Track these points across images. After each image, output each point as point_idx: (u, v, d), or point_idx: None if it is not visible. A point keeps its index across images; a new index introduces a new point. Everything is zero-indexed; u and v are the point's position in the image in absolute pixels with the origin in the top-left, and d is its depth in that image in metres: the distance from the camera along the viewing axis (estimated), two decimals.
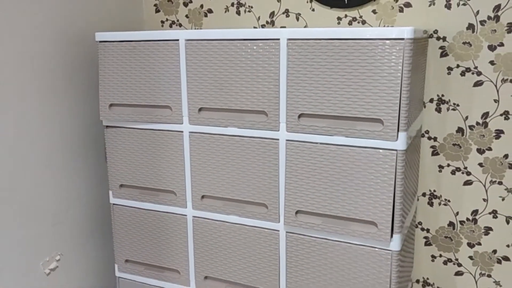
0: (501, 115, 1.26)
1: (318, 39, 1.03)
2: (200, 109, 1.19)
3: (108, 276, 1.56)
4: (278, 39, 1.07)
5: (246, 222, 1.20)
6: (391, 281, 1.06)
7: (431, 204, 1.38)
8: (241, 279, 1.24)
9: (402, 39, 0.96)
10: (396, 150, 1.01)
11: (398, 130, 1.00)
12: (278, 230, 1.17)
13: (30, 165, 1.24)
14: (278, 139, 1.12)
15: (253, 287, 1.23)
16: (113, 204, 1.36)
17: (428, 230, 1.40)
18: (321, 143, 1.07)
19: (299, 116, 1.08)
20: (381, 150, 1.02)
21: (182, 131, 1.22)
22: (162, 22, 1.61)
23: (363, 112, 1.02)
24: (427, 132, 1.34)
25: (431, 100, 1.32)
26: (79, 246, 1.44)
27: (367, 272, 1.08)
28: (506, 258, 1.33)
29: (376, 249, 1.06)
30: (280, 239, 1.17)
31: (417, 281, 1.44)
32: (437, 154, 1.34)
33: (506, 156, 1.28)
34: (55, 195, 1.33)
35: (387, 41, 0.97)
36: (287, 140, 1.11)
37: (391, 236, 1.05)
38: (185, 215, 1.27)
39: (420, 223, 1.40)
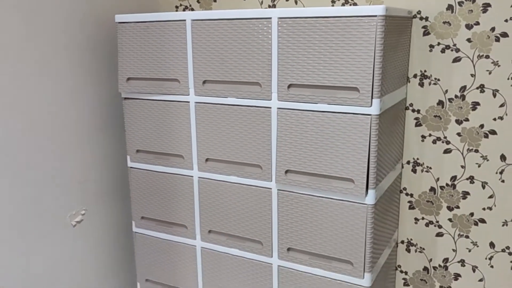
0: (477, 88, 1.38)
1: (305, 18, 1.17)
2: (204, 82, 1.35)
3: (126, 231, 1.73)
4: (270, 18, 1.21)
5: (243, 181, 1.35)
6: (366, 232, 1.21)
7: (414, 171, 1.50)
8: (239, 232, 1.40)
9: (375, 16, 1.09)
10: (370, 115, 1.15)
11: (372, 97, 1.13)
12: (271, 188, 1.32)
13: (62, 132, 1.44)
14: (270, 108, 1.27)
15: (249, 239, 1.39)
16: (130, 167, 1.54)
17: (411, 195, 1.53)
18: (307, 110, 1.22)
19: (289, 86, 1.23)
20: (358, 115, 1.16)
21: (188, 102, 1.38)
22: (176, 7, 1.77)
23: (343, 81, 1.16)
24: (411, 105, 1.47)
25: (415, 76, 1.45)
26: (102, 204, 1.62)
27: (346, 224, 1.23)
28: (482, 221, 1.45)
29: (354, 203, 1.21)
30: (273, 196, 1.32)
31: (402, 242, 1.57)
32: (420, 125, 1.47)
33: (481, 126, 1.39)
34: (82, 158, 1.52)
35: (363, 18, 1.11)
36: (278, 108, 1.26)
37: (366, 191, 1.19)
38: (192, 176, 1.43)
39: (404, 188, 1.53)
